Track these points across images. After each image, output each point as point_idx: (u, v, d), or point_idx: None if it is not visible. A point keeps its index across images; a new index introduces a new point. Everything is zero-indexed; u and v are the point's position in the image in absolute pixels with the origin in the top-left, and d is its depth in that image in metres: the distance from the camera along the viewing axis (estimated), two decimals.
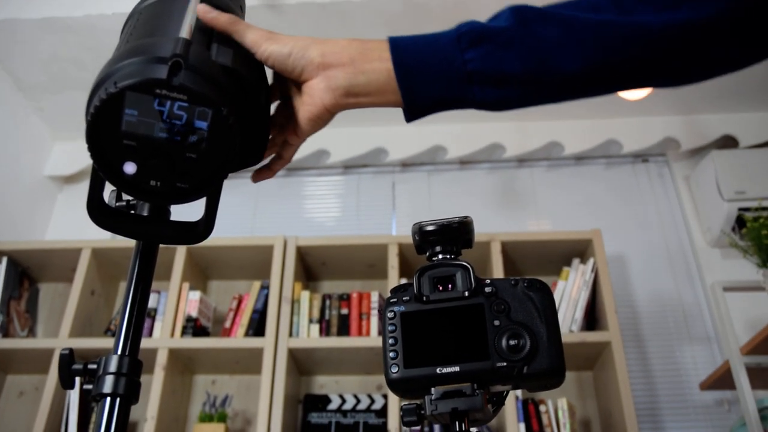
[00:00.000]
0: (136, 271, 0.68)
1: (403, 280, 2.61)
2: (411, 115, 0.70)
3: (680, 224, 3.06)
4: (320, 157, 3.27)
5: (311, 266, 2.88)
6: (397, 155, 3.20)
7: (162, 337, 2.53)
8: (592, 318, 2.60)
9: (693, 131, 3.12)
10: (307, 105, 0.70)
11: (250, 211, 3.23)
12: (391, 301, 0.76)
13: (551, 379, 0.72)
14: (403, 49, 0.69)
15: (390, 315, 0.75)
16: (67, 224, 3.21)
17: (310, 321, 2.61)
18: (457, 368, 0.71)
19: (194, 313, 2.59)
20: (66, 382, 0.65)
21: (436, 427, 0.70)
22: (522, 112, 2.85)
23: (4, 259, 2.76)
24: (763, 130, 3.09)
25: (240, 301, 2.69)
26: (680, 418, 2.66)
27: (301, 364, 2.66)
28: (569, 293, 2.55)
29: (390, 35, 0.72)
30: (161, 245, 0.70)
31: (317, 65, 0.68)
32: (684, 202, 3.07)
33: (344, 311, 2.64)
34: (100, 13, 2.66)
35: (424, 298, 0.75)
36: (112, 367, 0.62)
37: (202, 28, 0.68)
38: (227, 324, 2.65)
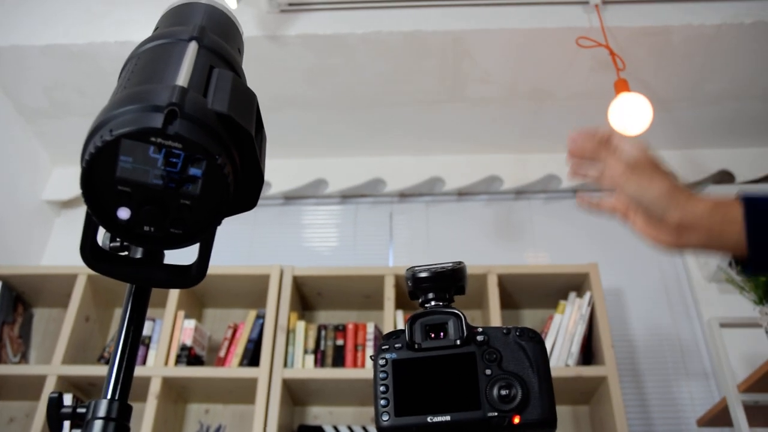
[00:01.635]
0: (128, 313, 0.68)
1: (399, 312, 2.60)
2: (752, 271, 0.73)
3: (677, 259, 3.06)
4: (318, 187, 3.28)
5: (307, 296, 2.87)
6: (395, 186, 3.21)
7: (156, 366, 2.51)
8: (589, 352, 2.58)
9: (689, 166, 3.13)
10: (647, 225, 0.76)
11: (247, 239, 3.23)
12: (383, 347, 0.76)
13: (543, 429, 0.72)
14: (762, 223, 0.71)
15: (382, 362, 0.75)
16: (64, 249, 3.21)
17: (305, 351, 2.59)
18: (448, 417, 0.71)
19: (189, 342, 2.58)
20: (54, 426, 0.65)
21: None
22: (520, 144, 2.89)
23: None
24: (759, 166, 3.10)
25: (235, 330, 2.68)
26: None
27: (296, 394, 2.64)
28: (565, 327, 2.55)
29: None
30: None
31: (674, 226, 0.73)
32: None
33: (339, 342, 2.63)
34: (103, 41, 2.69)
35: (416, 346, 0.75)
36: (101, 411, 0.61)
37: (199, 75, 0.68)
38: (222, 353, 2.63)
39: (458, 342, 0.74)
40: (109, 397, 0.62)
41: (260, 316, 2.67)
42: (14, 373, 2.60)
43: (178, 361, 2.54)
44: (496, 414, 0.70)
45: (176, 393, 2.64)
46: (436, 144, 3.22)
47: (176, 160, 0.59)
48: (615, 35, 2.55)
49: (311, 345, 2.61)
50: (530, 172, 3.18)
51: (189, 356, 2.56)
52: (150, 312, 2.83)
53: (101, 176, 0.58)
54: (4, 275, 2.77)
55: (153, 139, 0.57)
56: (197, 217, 0.62)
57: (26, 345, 2.87)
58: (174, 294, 2.66)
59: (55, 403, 0.65)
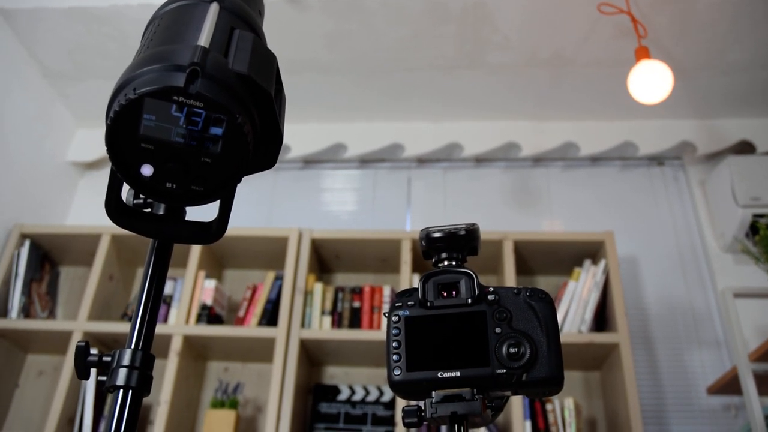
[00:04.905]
0: (150, 267, 0.71)
1: (415, 276, 2.63)
2: None
3: (693, 228, 3.05)
4: (337, 151, 3.30)
5: (325, 259, 2.91)
6: (413, 151, 3.22)
7: (177, 324, 2.57)
8: (602, 319, 2.61)
9: (710, 135, 3.10)
10: None
11: (266, 202, 3.27)
12: (396, 305, 0.78)
13: (549, 387, 0.74)
14: None
15: (395, 319, 0.77)
16: (88, 209, 3.27)
17: (323, 313, 2.64)
18: (457, 373, 0.73)
19: (209, 301, 2.64)
20: (81, 373, 0.68)
21: (443, 429, 0.72)
22: (539, 111, 2.90)
23: (27, 242, 2.82)
24: None
25: (254, 291, 2.73)
26: (686, 421, 2.66)
27: (313, 354, 2.70)
28: (580, 294, 2.56)
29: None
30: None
31: None
32: (698, 207, 3.06)
33: (356, 304, 2.67)
34: (126, 3, 2.69)
35: (429, 304, 0.77)
36: (126, 360, 0.64)
37: (220, 35, 0.69)
38: (241, 313, 2.69)
39: (470, 301, 0.76)
40: (132, 346, 0.65)
41: (279, 278, 2.72)
42: (42, 328, 2.67)
43: (198, 320, 2.60)
44: (504, 371, 0.73)
45: (197, 351, 2.71)
46: (455, 110, 3.21)
47: (198, 119, 0.61)
48: (637, 1, 2.51)
49: (328, 306, 2.66)
50: (548, 139, 3.17)
51: (209, 315, 2.62)
52: (171, 272, 2.88)
53: (125, 134, 0.60)
54: (31, 234, 2.84)
55: (175, 97, 0.59)
56: (218, 175, 0.64)
57: (53, 301, 2.95)
58: (195, 254, 2.71)
59: (82, 351, 0.68)
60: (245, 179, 0.68)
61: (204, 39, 0.66)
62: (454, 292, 0.78)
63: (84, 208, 3.30)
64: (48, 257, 2.97)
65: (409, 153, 3.22)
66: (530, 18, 2.66)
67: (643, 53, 2.36)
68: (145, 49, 0.70)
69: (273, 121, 0.70)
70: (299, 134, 3.23)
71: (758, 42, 2.70)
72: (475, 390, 0.72)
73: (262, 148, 0.70)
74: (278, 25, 2.72)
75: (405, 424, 0.74)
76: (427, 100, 3.16)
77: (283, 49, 2.80)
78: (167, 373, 2.47)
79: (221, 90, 0.61)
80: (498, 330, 0.75)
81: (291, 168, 3.36)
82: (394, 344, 0.76)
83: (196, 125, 0.61)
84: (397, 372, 0.75)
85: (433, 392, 0.73)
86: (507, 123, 3.23)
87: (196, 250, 2.72)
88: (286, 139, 3.22)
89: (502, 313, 0.76)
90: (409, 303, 0.78)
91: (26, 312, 2.73)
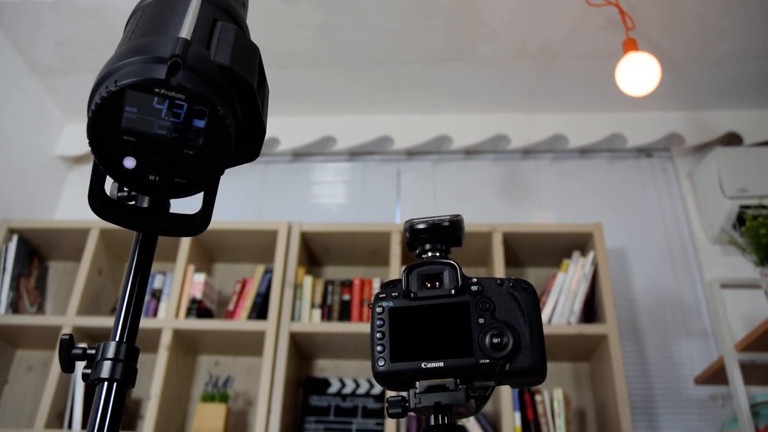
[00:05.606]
0: (135, 260, 0.71)
1: None
2: None
3: (682, 220, 3.07)
4: (327, 144, 3.29)
5: (315, 252, 2.91)
6: (402, 144, 3.22)
7: (167, 318, 2.57)
8: (591, 310, 2.62)
9: (697, 127, 3.12)
10: None
11: (256, 195, 3.26)
12: (380, 296, 0.79)
13: (532, 377, 0.74)
14: None
15: (378, 310, 0.78)
16: (77, 204, 3.26)
17: (312, 306, 2.64)
18: (441, 363, 0.74)
19: (199, 295, 2.63)
20: (66, 366, 0.67)
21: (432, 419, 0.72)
22: (527, 103, 2.90)
23: (15, 237, 2.81)
24: (767, 128, 3.08)
25: (244, 285, 2.73)
26: (674, 411, 2.68)
27: (303, 347, 2.70)
28: (569, 285, 2.58)
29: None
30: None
31: None
32: (686, 198, 3.07)
33: (346, 297, 2.68)
34: None
35: (412, 295, 0.77)
36: (110, 353, 0.64)
37: (202, 27, 0.69)
38: (231, 306, 2.69)
39: (453, 291, 0.77)
40: (117, 339, 0.65)
41: (268, 271, 2.72)
42: (31, 323, 2.67)
43: (188, 314, 2.60)
44: (488, 361, 0.73)
45: (187, 345, 2.70)
46: (444, 102, 3.22)
47: (180, 111, 0.61)
48: None
49: (318, 299, 2.66)
50: (537, 131, 3.18)
51: (199, 309, 2.61)
52: (161, 266, 2.88)
53: (107, 126, 0.61)
54: (19, 229, 2.83)
55: (157, 90, 0.59)
56: (200, 167, 0.64)
57: (42, 297, 2.94)
58: (184, 248, 2.70)
59: (66, 344, 0.68)
60: (233, 172, 0.68)
61: (186, 31, 0.65)
62: (437, 283, 0.78)
63: (72, 203, 3.28)
64: (36, 252, 2.96)
65: (398, 145, 3.22)
66: (518, 10, 2.66)
67: (630, 45, 2.37)
68: (127, 41, 0.69)
69: (256, 113, 0.70)
70: (288, 127, 3.22)
71: (746, 33, 2.71)
72: (458, 380, 0.73)
73: (245, 141, 0.70)
74: (267, 17, 2.71)
75: (389, 415, 0.74)
76: (416, 93, 3.16)
77: (272, 41, 2.80)
78: (157, 367, 2.46)
79: (203, 82, 0.61)
80: (481, 320, 0.75)
81: (280, 161, 3.36)
82: (378, 335, 0.77)
83: (178, 117, 0.61)
84: (381, 363, 0.75)
85: (417, 383, 0.73)
86: (496, 115, 3.23)
87: (185, 243, 2.71)
88: (276, 132, 3.21)
89: (485, 303, 0.76)
90: (393, 294, 0.78)
91: (15, 307, 2.72)
